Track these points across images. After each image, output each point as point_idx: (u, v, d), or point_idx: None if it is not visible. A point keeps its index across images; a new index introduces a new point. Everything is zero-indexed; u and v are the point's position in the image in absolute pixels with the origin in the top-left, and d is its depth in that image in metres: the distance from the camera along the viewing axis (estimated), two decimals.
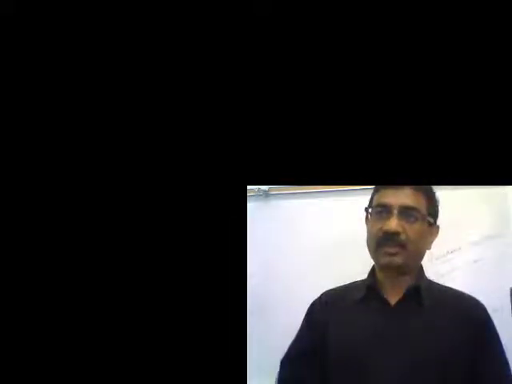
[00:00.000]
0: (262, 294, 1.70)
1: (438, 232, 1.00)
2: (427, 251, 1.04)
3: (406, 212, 0.94)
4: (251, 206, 1.44)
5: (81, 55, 0.99)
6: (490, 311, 1.00)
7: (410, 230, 0.93)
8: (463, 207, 1.65)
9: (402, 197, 0.95)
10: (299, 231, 1.76)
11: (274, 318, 1.71)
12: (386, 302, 0.98)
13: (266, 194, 1.80)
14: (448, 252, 1.65)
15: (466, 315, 0.96)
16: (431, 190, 1.00)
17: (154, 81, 1.00)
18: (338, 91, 1.01)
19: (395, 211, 0.93)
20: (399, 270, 0.96)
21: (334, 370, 0.97)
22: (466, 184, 1.00)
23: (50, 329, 0.94)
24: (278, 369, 1.11)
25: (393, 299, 0.97)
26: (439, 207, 1.01)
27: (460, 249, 1.66)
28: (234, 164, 0.99)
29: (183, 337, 0.95)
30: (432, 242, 0.99)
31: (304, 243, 1.74)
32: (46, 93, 0.98)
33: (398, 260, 0.93)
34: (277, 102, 1.01)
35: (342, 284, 1.15)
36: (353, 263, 1.36)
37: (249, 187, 1.72)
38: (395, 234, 0.92)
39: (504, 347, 0.99)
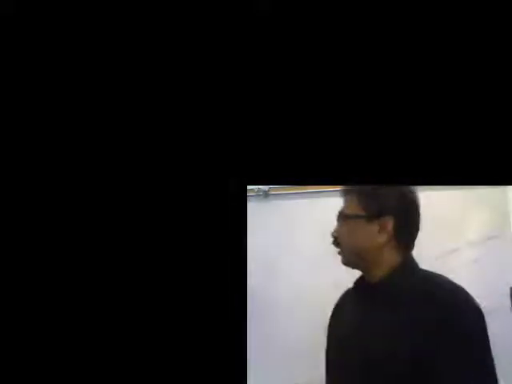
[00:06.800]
0: (261, 294, 1.70)
1: (391, 222, 0.98)
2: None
3: (338, 217, 1.04)
4: (251, 206, 1.44)
5: (80, 55, 0.99)
6: (490, 311, 1.00)
7: (342, 231, 1.02)
8: (463, 207, 1.66)
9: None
10: (299, 231, 1.76)
11: (273, 318, 1.72)
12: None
13: (266, 194, 1.81)
14: (448, 252, 1.66)
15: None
16: (368, 187, 1.02)
17: (152, 81, 1.00)
18: (338, 91, 1.01)
19: (336, 219, 1.04)
20: (354, 267, 1.02)
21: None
22: (466, 184, 1.01)
23: (47, 327, 0.94)
24: (277, 369, 1.11)
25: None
26: (393, 199, 1.01)
27: (460, 249, 1.66)
28: (234, 164, 0.99)
29: (183, 336, 0.95)
30: (382, 233, 0.98)
31: (304, 243, 1.74)
32: (45, 92, 0.98)
33: (342, 259, 1.03)
34: (277, 102, 1.01)
35: (340, 284, 1.14)
36: None
37: (249, 187, 1.72)
38: (333, 239, 1.03)
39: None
